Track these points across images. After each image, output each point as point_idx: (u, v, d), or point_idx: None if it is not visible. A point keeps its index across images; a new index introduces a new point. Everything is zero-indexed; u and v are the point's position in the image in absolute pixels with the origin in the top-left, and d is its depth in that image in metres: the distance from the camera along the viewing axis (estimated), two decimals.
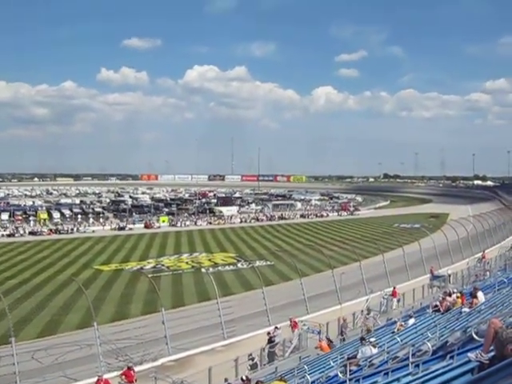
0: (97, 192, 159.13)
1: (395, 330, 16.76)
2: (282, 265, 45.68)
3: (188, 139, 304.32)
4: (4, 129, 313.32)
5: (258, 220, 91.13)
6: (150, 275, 33.70)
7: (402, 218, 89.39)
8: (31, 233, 70.74)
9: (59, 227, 74.84)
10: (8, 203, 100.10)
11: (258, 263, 45.82)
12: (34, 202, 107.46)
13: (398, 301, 30.25)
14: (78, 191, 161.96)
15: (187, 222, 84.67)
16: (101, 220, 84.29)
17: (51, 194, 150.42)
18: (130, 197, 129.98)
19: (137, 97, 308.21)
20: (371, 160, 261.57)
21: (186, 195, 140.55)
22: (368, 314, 26.86)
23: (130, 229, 77.57)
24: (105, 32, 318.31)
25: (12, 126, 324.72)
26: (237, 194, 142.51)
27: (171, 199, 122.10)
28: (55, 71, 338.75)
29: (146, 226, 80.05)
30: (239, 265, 47.52)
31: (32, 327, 27.80)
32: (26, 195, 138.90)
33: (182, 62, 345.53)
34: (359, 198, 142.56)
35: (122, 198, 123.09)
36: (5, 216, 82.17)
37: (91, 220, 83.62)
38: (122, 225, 79.27)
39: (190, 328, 25.37)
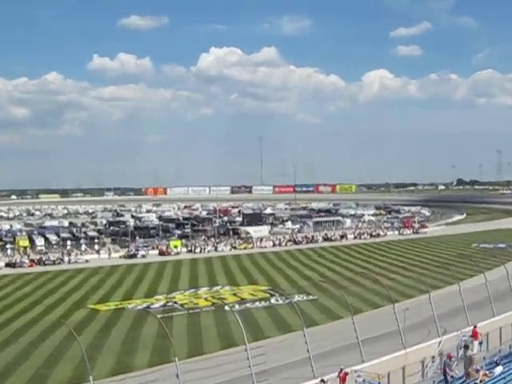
0: (90, 211, 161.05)
1: (478, 382, 16.52)
2: (327, 299, 45.38)
3: (205, 142, 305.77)
4: None
5: (295, 242, 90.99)
6: (159, 316, 33.92)
7: (483, 236, 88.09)
8: (8, 264, 71.76)
9: (43, 257, 75.80)
10: None
11: (296, 298, 45.63)
12: (11, 226, 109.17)
13: (481, 343, 29.77)
14: (66, 211, 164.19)
15: (205, 247, 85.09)
16: (96, 246, 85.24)
17: (33, 215, 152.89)
18: (132, 216, 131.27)
19: (139, 90, 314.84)
20: (440, 162, 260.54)
21: (204, 213, 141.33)
22: (450, 359, 26.40)
23: (143, 256, 78.61)
24: (97, 9, 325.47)
25: None
26: (268, 210, 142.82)
27: (184, 218, 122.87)
28: (36, 60, 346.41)
29: (162, 253, 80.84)
30: (273, 300, 47.40)
31: None
32: (1, 217, 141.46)
33: (194, 44, 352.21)
34: (426, 212, 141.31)
35: (121, 219, 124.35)
36: None
37: (84, 247, 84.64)
38: (131, 251, 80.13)
39: (211, 382, 25.37)
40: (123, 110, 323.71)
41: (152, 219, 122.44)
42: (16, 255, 78.35)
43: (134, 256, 78.24)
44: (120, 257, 78.47)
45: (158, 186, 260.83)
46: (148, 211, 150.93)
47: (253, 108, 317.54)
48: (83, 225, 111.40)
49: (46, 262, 73.15)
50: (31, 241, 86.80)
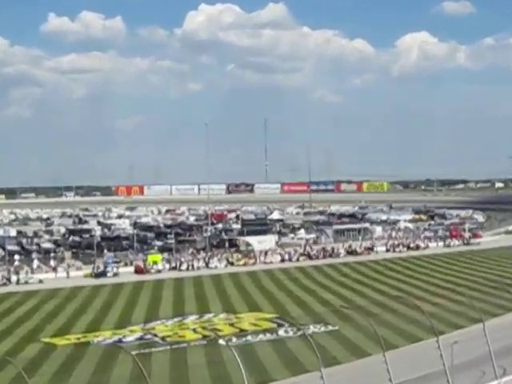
0: (44, 217, 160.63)
1: None
2: (351, 330, 45.43)
3: (193, 126, 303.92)
4: None
5: (310, 257, 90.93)
6: (134, 352, 33.85)
7: None
8: None
9: None
10: None
11: (312, 329, 45.72)
12: None
13: None
14: (13, 216, 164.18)
15: (194, 263, 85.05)
16: (52, 262, 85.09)
17: None
18: (99, 223, 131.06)
19: (108, 59, 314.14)
20: (498, 153, 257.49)
21: (191, 219, 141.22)
22: None
23: (115, 274, 78.76)
24: None
25: None
26: (275, 215, 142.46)
27: (167, 226, 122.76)
28: None
29: (138, 271, 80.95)
30: (281, 332, 47.38)
31: None
32: None
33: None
34: (480, 217, 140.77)
35: (85, 226, 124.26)
36: None
37: (36, 263, 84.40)
38: (98, 269, 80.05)
39: None
40: (87, 85, 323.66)
41: (125, 227, 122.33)
42: None
43: (102, 275, 78.23)
44: (85, 275, 78.38)
45: (133, 183, 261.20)
46: (120, 216, 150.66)
47: (255, 83, 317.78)
48: (35, 234, 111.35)
49: None
50: None
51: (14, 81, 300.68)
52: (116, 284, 72.78)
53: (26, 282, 74.48)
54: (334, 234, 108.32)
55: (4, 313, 58.20)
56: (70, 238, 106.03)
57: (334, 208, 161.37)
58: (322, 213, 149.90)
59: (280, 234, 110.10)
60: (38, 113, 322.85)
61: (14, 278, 75.46)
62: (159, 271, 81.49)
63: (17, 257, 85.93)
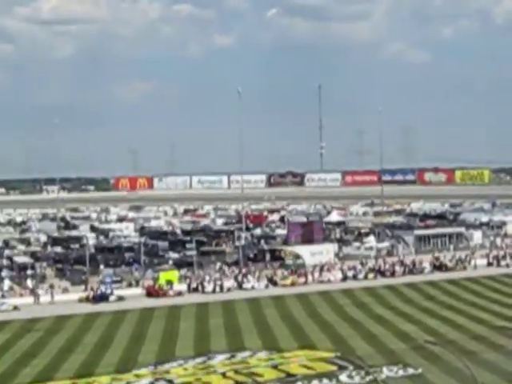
0: (18, 220, 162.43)
1: None
2: (441, 374, 45.34)
3: (220, 96, 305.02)
4: None
5: (382, 273, 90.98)
6: None
7: None
8: None
9: None
10: None
11: (386, 372, 45.74)
12: None
13: None
14: None
15: (223, 282, 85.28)
16: (28, 282, 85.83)
17: None
18: (93, 229, 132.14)
19: (103, 3, 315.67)
20: None
21: (219, 222, 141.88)
22: None
23: (121, 298, 79.51)
24: None
25: None
26: (333, 216, 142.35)
27: (185, 232, 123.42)
28: None
29: (151, 293, 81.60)
30: (343, 377, 47.35)
31: None
32: None
33: None
34: None
35: (74, 233, 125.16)
36: None
37: (7, 283, 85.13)
38: (97, 291, 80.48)
39: None
40: (76, 40, 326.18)
41: (127, 233, 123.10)
42: None
43: (103, 298, 78.82)
44: (80, 300, 78.85)
45: (138, 174, 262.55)
46: (121, 219, 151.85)
47: (305, 34, 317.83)
48: (6, 244, 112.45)
49: None
50: None
51: None
52: (119, 312, 73.16)
53: None
54: (415, 242, 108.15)
55: None
56: (53, 250, 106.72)
57: (415, 205, 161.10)
58: (398, 212, 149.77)
59: (341, 242, 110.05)
60: (8, 78, 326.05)
61: None
62: (180, 294, 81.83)
63: None
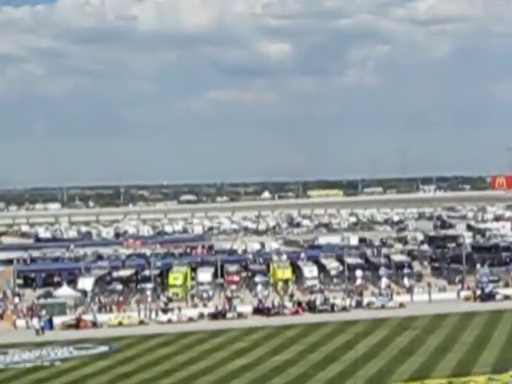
0: (395, 219, 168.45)
1: None
2: None
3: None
4: None
5: None
6: None
7: None
8: None
9: None
10: None
11: None
12: None
13: None
14: (353, 218, 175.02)
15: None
16: (405, 281, 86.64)
17: None
18: (470, 228, 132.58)
19: (478, 1, 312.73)
20: None
21: None
22: None
23: (507, 297, 79.52)
24: None
25: None
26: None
27: None
28: None
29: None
30: None
31: None
32: None
33: None
34: None
35: (450, 232, 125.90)
36: None
37: (384, 281, 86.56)
38: (483, 290, 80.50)
39: None
40: (452, 39, 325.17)
41: (504, 233, 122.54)
42: None
43: (489, 297, 78.88)
44: (466, 298, 79.72)
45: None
46: (497, 218, 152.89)
47: None
48: (384, 243, 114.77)
49: None
50: None
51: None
52: (496, 311, 72.70)
53: (344, 309, 77.10)
54: None
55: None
56: (430, 248, 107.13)
57: None
58: None
59: None
60: (385, 78, 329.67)
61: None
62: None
63: (359, 273, 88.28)
